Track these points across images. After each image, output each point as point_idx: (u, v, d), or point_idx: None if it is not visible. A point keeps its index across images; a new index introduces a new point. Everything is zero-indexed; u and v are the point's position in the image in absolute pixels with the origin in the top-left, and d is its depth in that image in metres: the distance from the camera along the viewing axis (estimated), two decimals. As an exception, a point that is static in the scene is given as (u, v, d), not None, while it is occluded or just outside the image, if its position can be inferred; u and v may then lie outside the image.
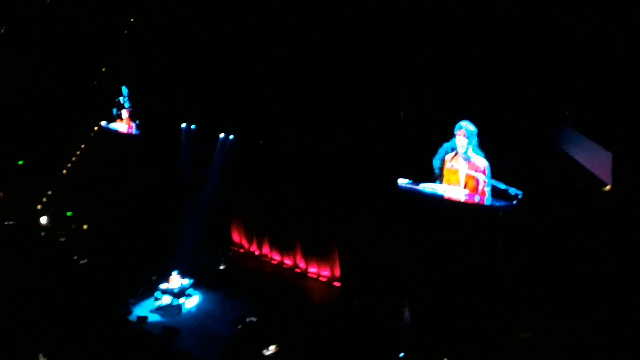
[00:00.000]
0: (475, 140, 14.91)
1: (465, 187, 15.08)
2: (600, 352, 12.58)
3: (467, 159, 14.98)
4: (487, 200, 14.79)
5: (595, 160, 13.67)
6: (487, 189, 14.72)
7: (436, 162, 15.71)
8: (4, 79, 25.03)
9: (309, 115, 18.83)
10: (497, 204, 14.62)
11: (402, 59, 16.22)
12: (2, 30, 24.53)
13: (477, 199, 14.98)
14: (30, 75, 25.04)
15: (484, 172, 14.76)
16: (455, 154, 15.21)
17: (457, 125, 15.23)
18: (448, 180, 15.41)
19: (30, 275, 19.74)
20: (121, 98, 25.01)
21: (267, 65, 19.42)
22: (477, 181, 14.85)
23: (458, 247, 15.91)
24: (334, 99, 18.03)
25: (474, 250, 15.61)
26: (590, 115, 13.63)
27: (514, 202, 14.35)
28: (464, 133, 14.99)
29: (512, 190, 14.46)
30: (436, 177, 15.79)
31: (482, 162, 14.74)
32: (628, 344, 12.38)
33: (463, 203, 15.25)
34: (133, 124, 24.61)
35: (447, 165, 15.39)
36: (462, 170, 15.10)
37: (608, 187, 13.65)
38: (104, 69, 25.42)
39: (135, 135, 24.29)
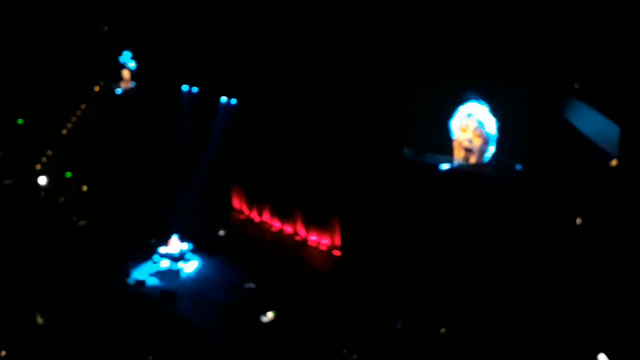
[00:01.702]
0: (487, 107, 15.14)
1: (472, 142, 15.42)
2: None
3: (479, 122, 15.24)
4: (486, 159, 15.28)
5: (603, 133, 13.53)
6: (492, 148, 15.08)
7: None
8: (6, 39, 24.76)
9: (313, 81, 18.56)
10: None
11: (411, 32, 15.96)
12: None
13: (485, 158, 15.23)
14: (31, 35, 24.71)
15: (491, 132, 15.12)
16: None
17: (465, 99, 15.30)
18: (458, 140, 15.63)
19: (28, 234, 19.74)
20: (122, 58, 24.64)
21: (271, 29, 19.06)
22: (485, 139, 15.12)
23: (460, 218, 15.88)
24: (338, 67, 17.76)
25: (475, 222, 15.56)
26: (600, 88, 13.43)
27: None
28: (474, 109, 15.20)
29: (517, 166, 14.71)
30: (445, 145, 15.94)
31: (492, 123, 15.04)
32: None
33: (468, 166, 15.38)
34: (132, 85, 24.34)
35: (459, 123, 15.69)
36: (471, 128, 15.44)
37: (614, 162, 13.51)
38: (105, 28, 24.97)
39: (134, 95, 23.98)
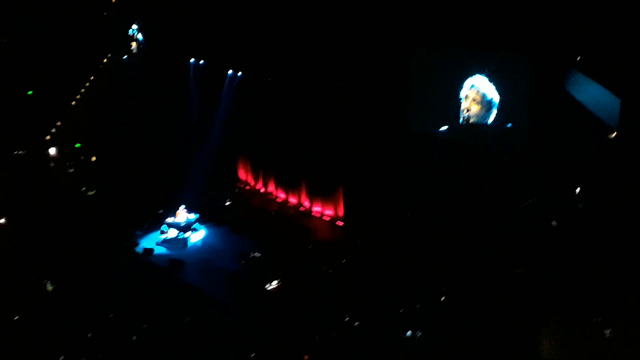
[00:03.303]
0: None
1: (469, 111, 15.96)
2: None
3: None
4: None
5: (603, 105, 13.59)
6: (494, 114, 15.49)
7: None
8: (17, 10, 24.86)
9: (318, 53, 18.63)
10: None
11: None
12: None
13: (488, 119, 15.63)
14: (41, 5, 24.82)
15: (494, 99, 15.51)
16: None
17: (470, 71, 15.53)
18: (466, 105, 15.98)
19: (38, 204, 20.09)
20: (131, 30, 24.74)
21: (278, 3, 19.09)
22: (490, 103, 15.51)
23: (459, 190, 16.07)
24: (343, 40, 17.81)
25: (474, 193, 15.76)
26: (600, 60, 13.46)
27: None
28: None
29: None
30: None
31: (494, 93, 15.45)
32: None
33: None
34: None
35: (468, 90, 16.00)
36: (471, 97, 15.88)
37: (614, 134, 13.59)
38: (114, 0, 25.05)
39: (142, 66, 24.12)
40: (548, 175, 14.86)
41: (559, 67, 14.14)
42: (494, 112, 15.54)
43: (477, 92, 15.71)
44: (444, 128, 16.58)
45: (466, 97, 15.96)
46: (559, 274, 13.62)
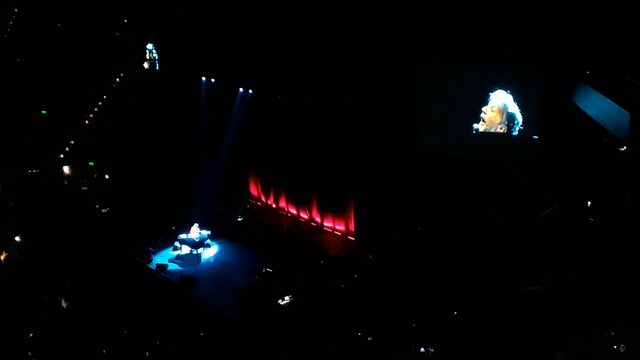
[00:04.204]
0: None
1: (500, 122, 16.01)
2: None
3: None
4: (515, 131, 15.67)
5: (613, 119, 13.65)
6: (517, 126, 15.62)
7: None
8: (31, 30, 25.37)
9: (327, 70, 18.80)
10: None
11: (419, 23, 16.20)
12: None
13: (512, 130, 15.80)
14: (55, 27, 25.29)
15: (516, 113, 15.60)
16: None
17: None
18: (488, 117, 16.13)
19: (53, 221, 20.29)
20: (147, 49, 25.13)
21: (287, 22, 19.31)
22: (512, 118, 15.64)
23: (471, 203, 16.12)
24: (353, 56, 17.97)
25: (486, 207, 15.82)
26: (610, 74, 13.55)
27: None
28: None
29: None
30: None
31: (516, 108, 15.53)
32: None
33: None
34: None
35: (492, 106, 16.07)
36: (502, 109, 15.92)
37: (624, 147, 13.64)
38: (126, 20, 25.44)
39: (155, 86, 24.43)
40: (559, 189, 14.90)
41: (568, 81, 14.23)
42: (511, 124, 15.66)
43: (494, 106, 15.83)
44: (457, 139, 16.66)
45: (484, 111, 16.04)
46: (571, 290, 13.64)
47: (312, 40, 18.76)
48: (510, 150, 15.85)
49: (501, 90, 15.69)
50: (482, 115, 16.11)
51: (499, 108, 15.80)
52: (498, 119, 15.86)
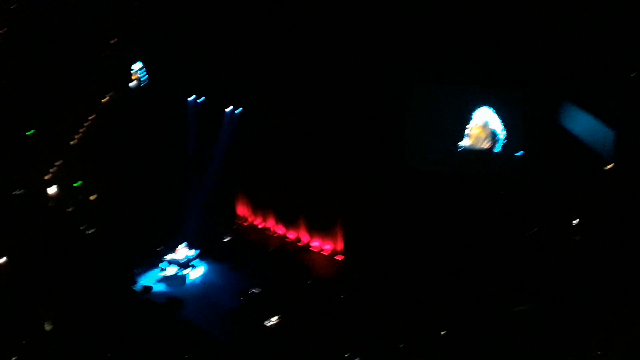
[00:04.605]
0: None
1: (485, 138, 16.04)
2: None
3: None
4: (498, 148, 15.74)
5: (599, 138, 13.76)
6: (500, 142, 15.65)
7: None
8: (15, 48, 25.30)
9: (317, 89, 18.86)
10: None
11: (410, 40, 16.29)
12: None
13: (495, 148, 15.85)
14: (40, 45, 25.23)
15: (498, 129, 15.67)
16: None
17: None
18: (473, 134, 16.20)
19: (37, 243, 20.10)
20: (134, 69, 25.09)
21: (274, 40, 19.39)
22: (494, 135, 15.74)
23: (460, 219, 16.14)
24: (341, 75, 18.04)
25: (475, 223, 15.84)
26: (595, 93, 13.68)
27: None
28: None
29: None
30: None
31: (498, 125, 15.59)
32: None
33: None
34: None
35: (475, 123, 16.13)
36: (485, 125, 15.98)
37: (610, 166, 13.75)
38: (114, 40, 25.44)
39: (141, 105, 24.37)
40: (545, 207, 14.93)
41: (552, 100, 14.33)
42: (495, 140, 15.74)
43: (480, 123, 15.90)
44: (444, 157, 16.69)
45: (470, 128, 16.11)
46: (560, 309, 13.62)
47: (301, 60, 18.84)
48: (495, 166, 15.87)
49: (484, 107, 15.76)
50: (467, 132, 16.16)
51: (482, 125, 15.86)
52: (482, 135, 15.92)
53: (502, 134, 15.51)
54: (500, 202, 15.63)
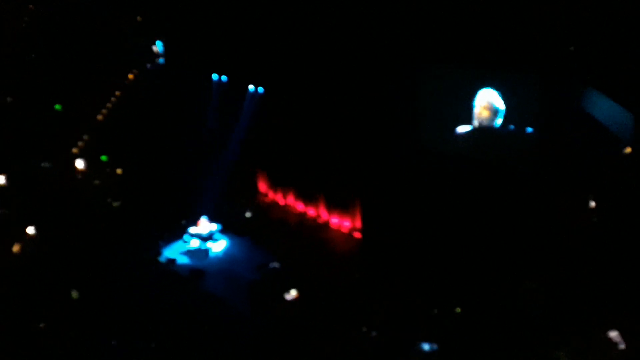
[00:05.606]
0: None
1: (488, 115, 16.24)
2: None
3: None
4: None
5: (617, 121, 13.77)
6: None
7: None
8: (44, 26, 25.80)
9: (336, 70, 19.02)
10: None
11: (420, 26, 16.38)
12: None
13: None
14: (67, 23, 25.66)
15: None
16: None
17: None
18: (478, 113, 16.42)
19: (65, 214, 20.62)
20: (154, 47, 25.42)
21: (297, 21, 19.56)
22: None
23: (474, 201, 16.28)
24: (361, 57, 18.17)
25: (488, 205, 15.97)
26: (614, 77, 13.66)
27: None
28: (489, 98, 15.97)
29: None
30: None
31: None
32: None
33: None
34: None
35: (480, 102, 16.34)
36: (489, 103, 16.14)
37: (629, 149, 13.77)
38: (139, 18, 25.76)
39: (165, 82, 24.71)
40: (562, 190, 15.02)
41: (568, 84, 14.34)
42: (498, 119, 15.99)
43: (487, 103, 16.08)
44: (456, 137, 16.87)
45: (479, 108, 16.29)
46: (572, 289, 13.78)
47: (322, 41, 18.99)
48: (506, 146, 16.06)
49: (488, 88, 15.96)
50: (474, 111, 16.38)
51: (487, 104, 16.07)
52: (487, 114, 16.14)
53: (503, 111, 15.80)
54: (516, 183, 15.75)
